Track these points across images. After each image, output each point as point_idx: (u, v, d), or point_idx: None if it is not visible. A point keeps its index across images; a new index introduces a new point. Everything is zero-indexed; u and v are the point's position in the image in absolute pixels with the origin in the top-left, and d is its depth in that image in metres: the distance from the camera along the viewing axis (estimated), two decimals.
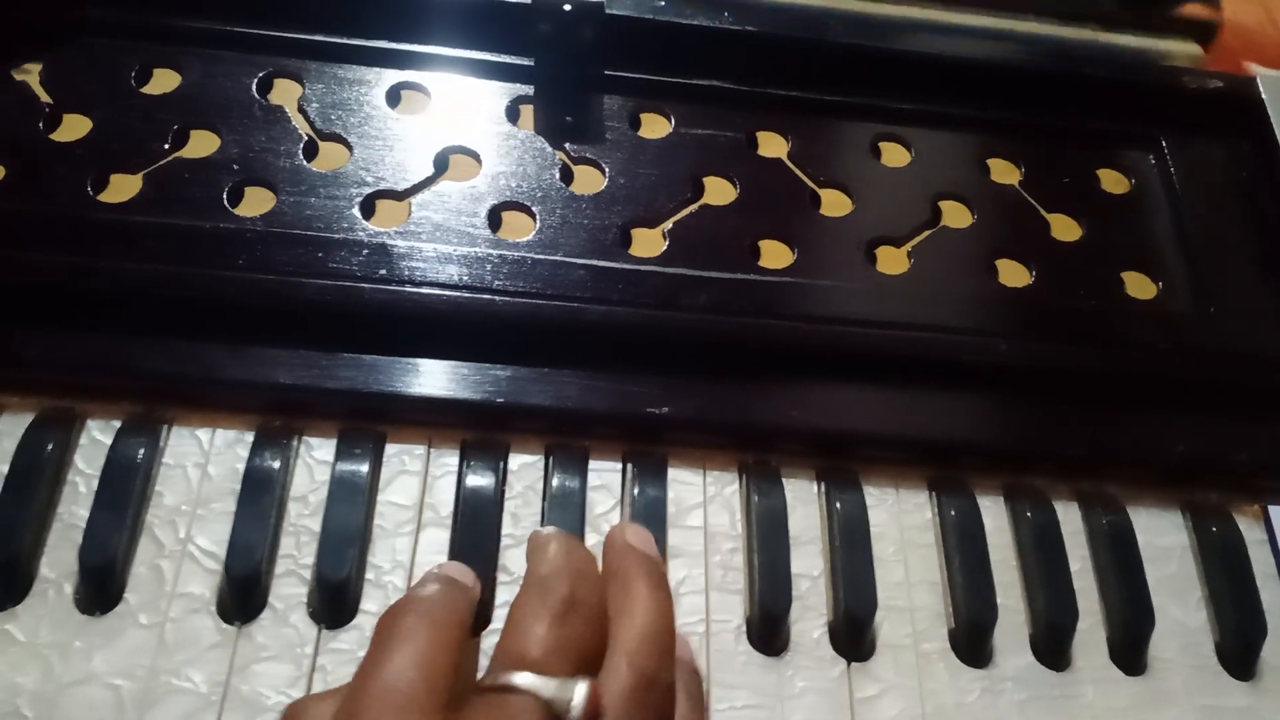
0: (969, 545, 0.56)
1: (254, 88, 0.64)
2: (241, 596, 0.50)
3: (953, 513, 0.57)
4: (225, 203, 0.59)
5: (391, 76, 0.66)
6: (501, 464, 0.55)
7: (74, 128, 0.61)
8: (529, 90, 0.67)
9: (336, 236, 0.58)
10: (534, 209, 0.62)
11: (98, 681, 0.48)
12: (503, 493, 0.55)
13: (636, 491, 0.55)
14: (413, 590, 0.45)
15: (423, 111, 0.66)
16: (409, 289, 0.57)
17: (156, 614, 0.49)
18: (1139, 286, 0.66)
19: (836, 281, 0.62)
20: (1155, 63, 0.76)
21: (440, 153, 0.64)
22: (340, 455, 0.54)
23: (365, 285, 0.56)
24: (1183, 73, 0.74)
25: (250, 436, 0.54)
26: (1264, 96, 0.71)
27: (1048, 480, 0.59)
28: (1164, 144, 0.71)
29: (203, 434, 0.54)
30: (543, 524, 0.54)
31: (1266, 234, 0.68)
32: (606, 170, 0.65)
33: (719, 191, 0.65)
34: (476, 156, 0.64)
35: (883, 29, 0.72)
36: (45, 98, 0.62)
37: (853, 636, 0.53)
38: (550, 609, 0.43)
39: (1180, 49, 0.76)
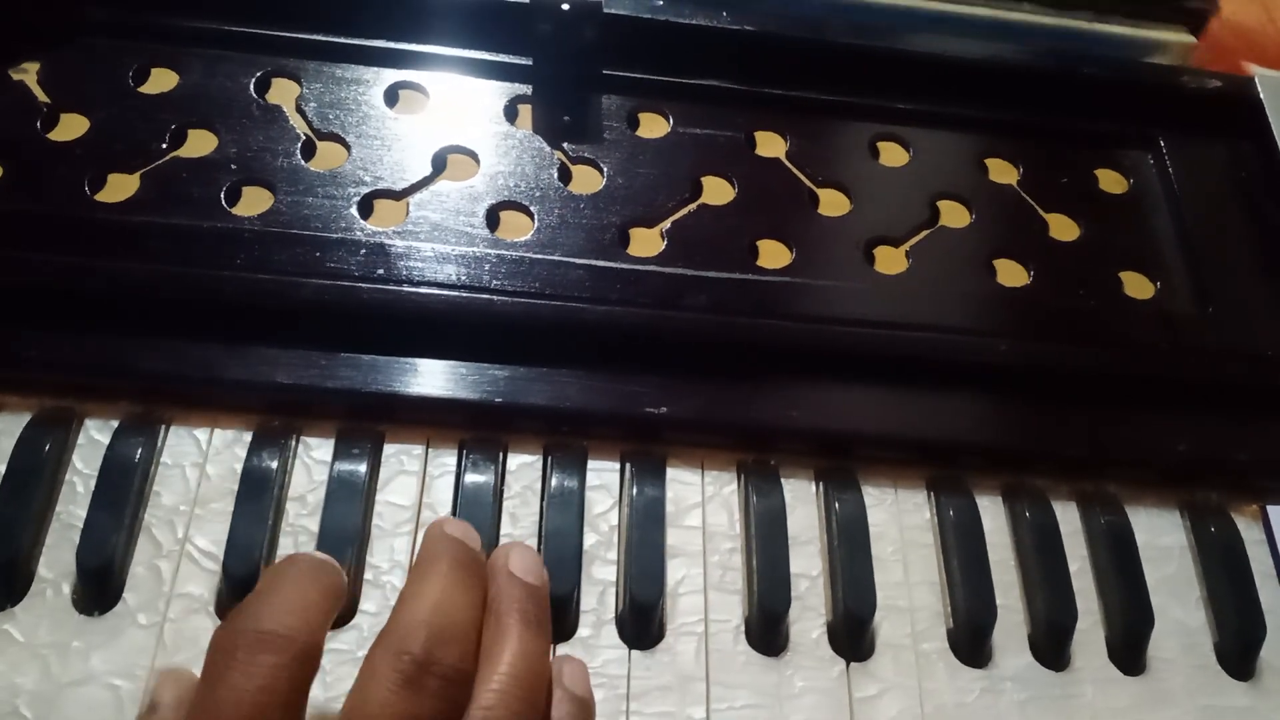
0: (968, 545, 0.56)
1: (252, 87, 0.64)
2: (240, 596, 0.49)
3: (952, 513, 0.57)
4: (223, 202, 0.59)
5: (389, 76, 0.66)
6: (500, 464, 0.55)
7: (72, 127, 0.61)
8: (527, 90, 0.67)
9: (334, 236, 0.58)
10: (532, 209, 0.62)
11: (97, 681, 0.47)
12: (501, 492, 0.55)
13: (635, 491, 0.55)
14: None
15: (421, 111, 0.66)
16: (407, 289, 0.56)
17: (155, 614, 0.49)
18: (1137, 286, 0.66)
19: (835, 281, 0.62)
20: (1148, 51, 0.76)
21: (438, 152, 0.64)
22: (339, 455, 0.54)
23: (363, 285, 0.56)
24: (1181, 72, 0.74)
25: (248, 436, 0.54)
26: (1262, 96, 0.71)
27: (1047, 480, 0.59)
28: (1162, 144, 0.71)
29: (201, 434, 0.54)
30: (541, 525, 0.54)
31: (1265, 234, 0.68)
32: (605, 170, 0.65)
33: (717, 191, 0.65)
34: (474, 156, 0.64)
35: (875, 19, 0.72)
36: (43, 97, 0.62)
37: (852, 636, 0.53)
38: (401, 670, 0.39)
39: (1173, 38, 0.76)
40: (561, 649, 0.51)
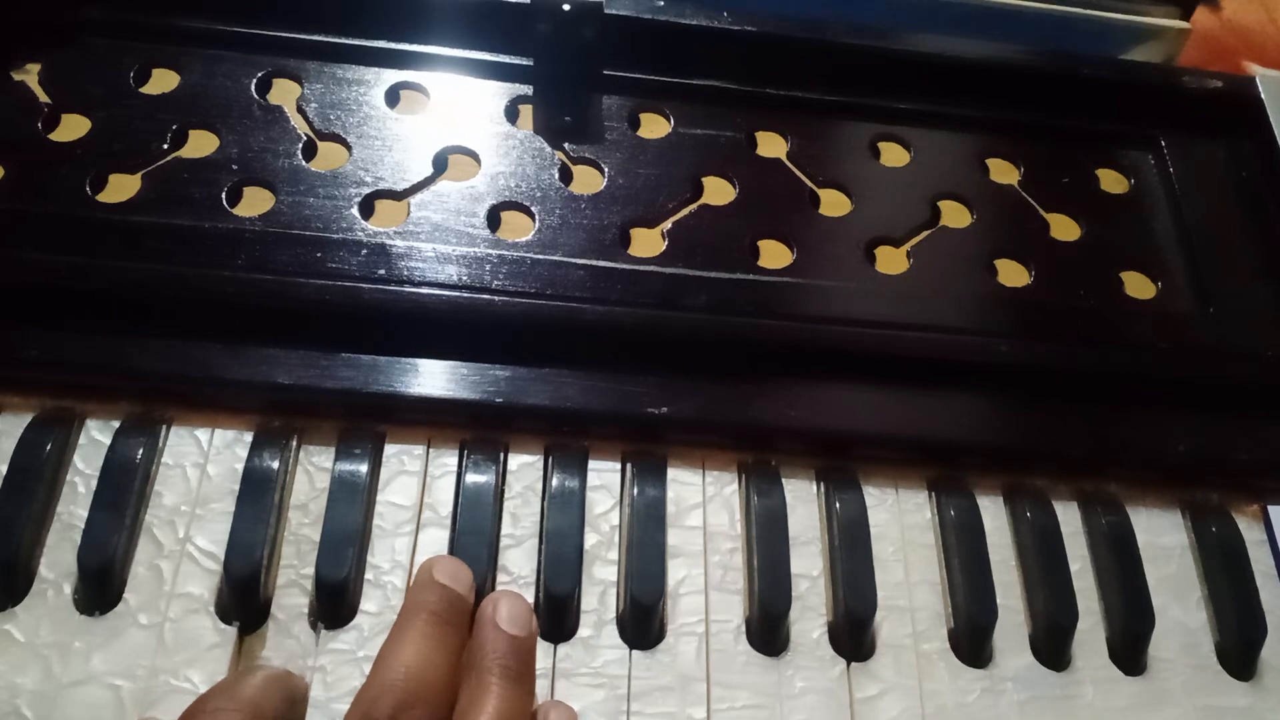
0: (969, 545, 0.56)
1: (253, 88, 0.64)
2: (241, 597, 0.50)
3: (952, 513, 0.57)
4: (224, 203, 0.59)
5: (390, 76, 0.66)
6: (501, 464, 0.55)
7: (73, 127, 0.61)
8: (528, 90, 0.67)
9: (335, 236, 0.58)
10: (533, 209, 0.62)
11: (97, 682, 0.47)
12: (502, 493, 0.55)
13: (636, 491, 0.55)
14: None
15: (422, 111, 0.66)
16: (408, 289, 0.57)
17: (156, 614, 0.49)
18: (1138, 286, 0.66)
19: (836, 281, 0.62)
20: (1139, 36, 0.76)
21: (439, 153, 0.64)
22: (340, 455, 0.54)
23: (364, 285, 0.56)
24: (1182, 72, 0.74)
25: (249, 436, 0.54)
26: (1263, 96, 0.71)
27: (1047, 480, 0.59)
28: (1163, 144, 0.71)
29: (202, 434, 0.54)
30: (542, 525, 0.54)
31: (1266, 233, 0.68)
32: (606, 170, 0.65)
33: (718, 191, 0.65)
34: (475, 156, 0.64)
35: (881, 31, 0.72)
36: (44, 97, 0.62)
37: (853, 636, 0.53)
38: None
39: (1165, 23, 0.76)
40: (562, 649, 0.51)
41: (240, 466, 0.53)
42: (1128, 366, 0.61)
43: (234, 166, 0.61)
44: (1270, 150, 0.69)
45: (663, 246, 0.62)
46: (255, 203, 0.60)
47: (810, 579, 0.54)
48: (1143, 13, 0.76)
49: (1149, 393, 0.61)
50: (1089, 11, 0.75)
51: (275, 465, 0.53)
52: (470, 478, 0.54)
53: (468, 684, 0.43)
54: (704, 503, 0.56)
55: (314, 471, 0.54)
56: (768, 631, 0.52)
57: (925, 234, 0.66)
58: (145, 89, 0.64)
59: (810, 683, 0.52)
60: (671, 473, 0.56)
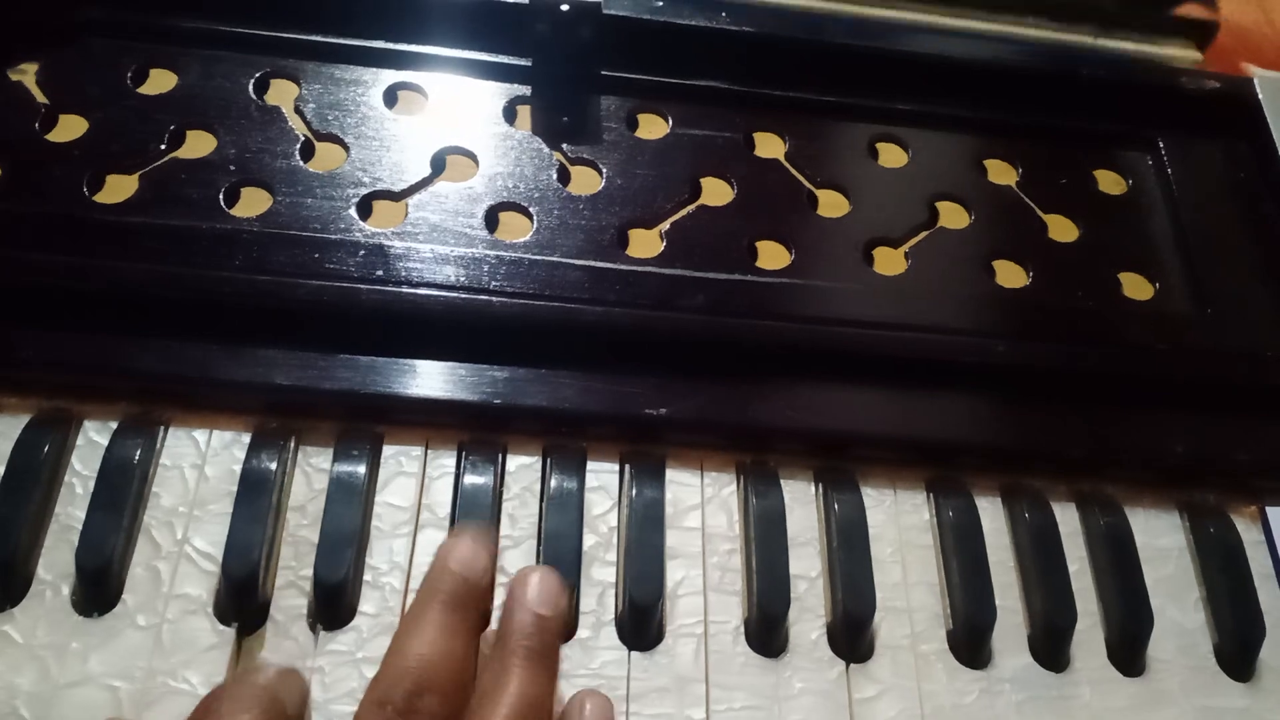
0: (967, 546, 0.56)
1: (250, 88, 0.64)
2: (239, 598, 0.50)
3: (951, 514, 0.57)
4: (222, 203, 0.59)
5: (388, 77, 0.66)
6: (499, 465, 0.55)
7: (70, 128, 0.61)
8: (526, 91, 0.67)
9: (333, 237, 0.58)
10: (531, 210, 0.62)
11: (95, 683, 0.47)
12: (500, 494, 0.55)
13: (634, 492, 0.55)
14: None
15: (420, 112, 0.66)
16: (406, 290, 0.56)
17: (154, 615, 0.49)
18: (1136, 287, 0.66)
19: (834, 282, 0.62)
20: (1152, 65, 0.76)
21: (437, 153, 0.63)
22: (338, 456, 0.54)
23: (362, 286, 0.56)
24: (1180, 73, 0.74)
25: (247, 437, 0.54)
26: (1261, 97, 0.71)
27: (1046, 481, 0.59)
28: (1161, 145, 0.71)
29: (200, 435, 0.54)
30: (540, 526, 0.54)
31: (1263, 234, 0.68)
32: (604, 171, 0.65)
33: (716, 192, 0.65)
34: (473, 157, 0.64)
35: (880, 31, 0.72)
36: (41, 98, 0.62)
37: (851, 638, 0.53)
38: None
39: (1179, 53, 0.76)
40: (560, 650, 0.51)
41: (238, 468, 0.53)
42: (1126, 367, 0.61)
43: (231, 167, 0.61)
44: (1268, 151, 0.70)
45: (661, 247, 0.62)
46: (253, 203, 0.60)
47: (808, 580, 0.54)
48: (1155, 43, 0.75)
49: (1147, 393, 0.61)
50: (1102, 42, 0.75)
51: (273, 466, 0.53)
52: (468, 479, 0.54)
53: (491, 664, 0.44)
54: (702, 504, 0.56)
55: (312, 472, 0.54)
56: (766, 633, 0.52)
57: (923, 235, 0.66)
58: (143, 89, 0.64)
59: (808, 684, 0.52)
60: (670, 474, 0.56)
